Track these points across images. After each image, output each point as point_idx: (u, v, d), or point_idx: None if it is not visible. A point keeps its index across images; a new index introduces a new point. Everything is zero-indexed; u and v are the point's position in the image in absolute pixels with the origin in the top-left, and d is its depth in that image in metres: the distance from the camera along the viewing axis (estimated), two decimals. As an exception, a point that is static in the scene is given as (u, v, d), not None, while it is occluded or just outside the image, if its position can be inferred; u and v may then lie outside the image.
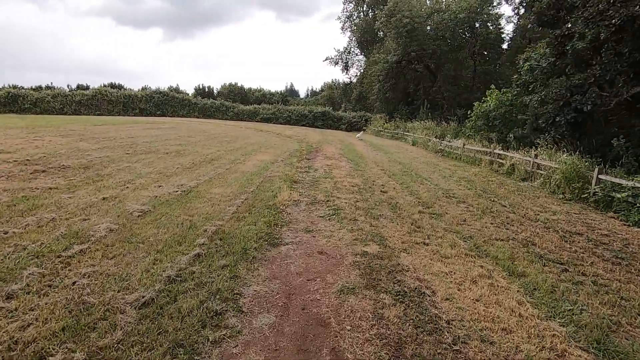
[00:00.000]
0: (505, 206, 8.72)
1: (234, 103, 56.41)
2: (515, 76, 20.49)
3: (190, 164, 10.63)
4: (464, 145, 18.76)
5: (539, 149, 13.58)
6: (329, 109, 53.25)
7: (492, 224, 7.09)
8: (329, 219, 6.33)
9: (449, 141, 21.60)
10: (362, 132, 31.88)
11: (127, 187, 7.15)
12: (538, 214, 8.17)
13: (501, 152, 15.32)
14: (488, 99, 20.68)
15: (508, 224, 7.21)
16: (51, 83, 79.74)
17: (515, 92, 19.88)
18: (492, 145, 16.68)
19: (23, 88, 57.27)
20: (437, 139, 23.00)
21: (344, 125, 50.22)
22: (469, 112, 24.64)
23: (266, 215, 6.05)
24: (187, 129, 23.99)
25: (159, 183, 7.78)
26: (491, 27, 39.70)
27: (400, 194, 9.03)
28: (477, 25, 38.39)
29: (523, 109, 20.91)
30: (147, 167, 9.45)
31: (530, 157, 13.12)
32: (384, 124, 40.39)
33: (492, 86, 21.59)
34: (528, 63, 17.35)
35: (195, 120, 42.22)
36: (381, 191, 9.21)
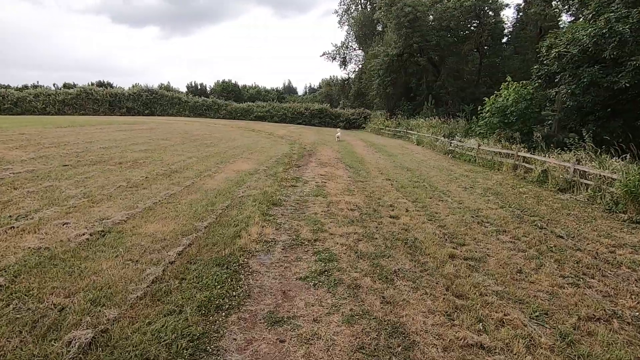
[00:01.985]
0: (563, 237, 6.32)
1: (227, 101, 53.87)
2: (535, 67, 18.07)
3: (141, 179, 8.19)
4: (478, 146, 16.35)
5: (581, 152, 11.17)
6: (327, 106, 50.78)
7: (561, 276, 4.69)
8: (315, 284, 3.91)
9: (460, 141, 19.18)
10: (339, 130, 25.82)
11: (12, 228, 4.71)
12: (613, 251, 5.77)
13: (527, 154, 12.90)
14: (504, 92, 18.22)
15: (584, 274, 4.81)
16: (37, 82, 76.76)
17: (536, 84, 17.48)
18: (514, 147, 14.26)
19: (8, 87, 54.80)
20: (446, 139, 20.57)
21: (342, 123, 47.70)
22: (478, 108, 22.28)
23: (209, 285, 3.63)
24: (167, 130, 21.53)
25: (69, 217, 5.34)
26: (499, 17, 37.23)
27: (416, 221, 6.62)
28: (483, 14, 35.87)
29: (542, 104, 18.57)
30: (75, 187, 7.01)
31: (568, 162, 10.71)
32: (384, 121, 37.94)
33: (509, 78, 19.13)
34: (556, 50, 14.88)
35: (184, 119, 39.71)
36: (390, 217, 6.80)
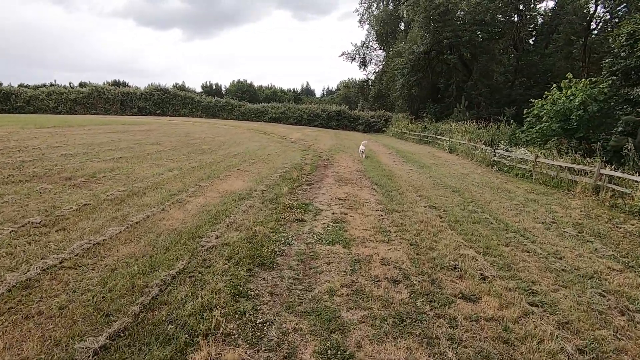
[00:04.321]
0: None
1: (241, 101, 51.69)
2: (607, 60, 14.68)
3: (74, 209, 5.52)
4: (536, 158, 13.08)
5: None
6: (345, 108, 47.80)
7: None
8: None
9: (507, 150, 15.92)
10: (363, 145, 15.85)
11: None
12: None
13: (618, 174, 9.61)
14: (567, 92, 14.87)
15: None
16: (54, 81, 77.13)
17: (609, 81, 14.08)
18: (592, 161, 10.98)
19: (26, 86, 54.62)
20: (488, 147, 17.32)
21: (362, 126, 44.73)
22: (524, 111, 18.96)
23: None
24: (165, 132, 19.11)
25: None
26: (538, 10, 33.47)
27: (512, 310, 3.64)
28: (522, 7, 32.17)
29: (611, 107, 15.08)
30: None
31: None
32: (407, 124, 34.73)
33: (569, 75, 15.76)
34: (647, 36, 11.51)
35: (194, 120, 37.60)
36: (463, 297, 3.85)
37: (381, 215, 6.70)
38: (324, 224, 6.00)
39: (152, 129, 20.35)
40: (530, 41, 35.76)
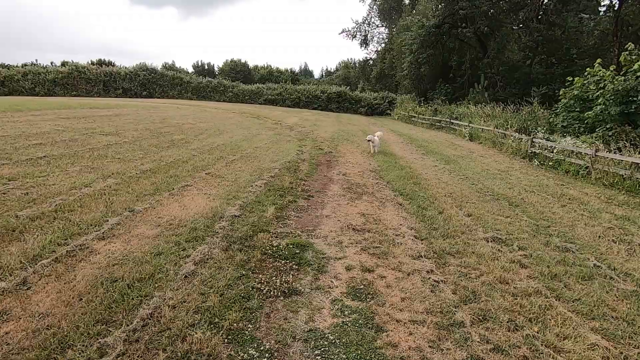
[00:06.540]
0: None
1: (234, 82, 47.99)
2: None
3: None
4: (596, 151, 10.22)
5: None
6: (346, 89, 44.31)
7: None
8: None
9: (548, 139, 13.05)
10: (377, 136, 12.15)
11: None
12: None
13: None
14: (630, 66, 11.86)
15: None
16: (36, 60, 72.83)
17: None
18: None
19: (6, 67, 50.86)
20: (524, 135, 14.40)
21: (364, 109, 41.49)
22: (561, 91, 16.01)
23: None
24: (137, 118, 16.08)
25: None
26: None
27: None
28: (548, -27, 28.49)
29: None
30: None
31: None
32: (416, 107, 31.54)
33: (630, 45, 12.72)
34: None
35: (181, 102, 34.30)
36: None
37: (431, 272, 3.89)
38: (334, 302, 3.20)
39: (122, 113, 17.30)
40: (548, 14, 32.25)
